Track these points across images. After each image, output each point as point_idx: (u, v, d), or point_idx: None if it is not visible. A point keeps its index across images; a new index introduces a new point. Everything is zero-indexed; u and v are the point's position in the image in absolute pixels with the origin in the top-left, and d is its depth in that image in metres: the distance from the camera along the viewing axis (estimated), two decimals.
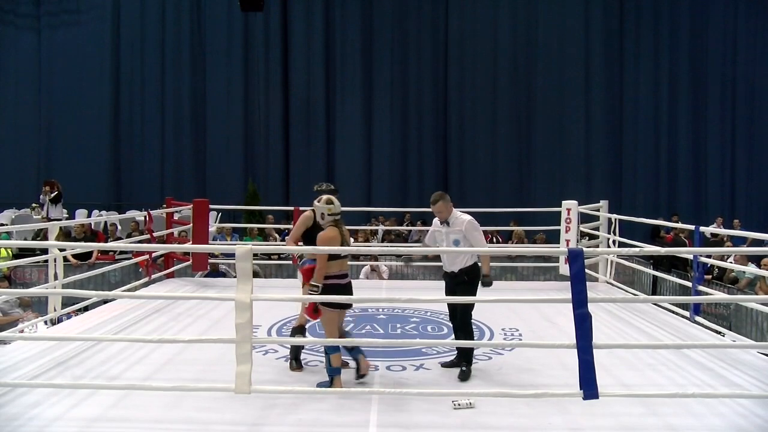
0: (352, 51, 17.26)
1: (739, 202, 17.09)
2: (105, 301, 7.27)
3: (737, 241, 12.17)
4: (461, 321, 5.08)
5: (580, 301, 3.80)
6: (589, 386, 3.80)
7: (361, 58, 17.23)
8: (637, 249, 4.94)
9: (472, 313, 5.14)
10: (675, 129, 17.13)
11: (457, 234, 5.10)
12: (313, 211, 4.86)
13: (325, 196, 4.84)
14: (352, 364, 4.85)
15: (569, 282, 3.87)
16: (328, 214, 4.79)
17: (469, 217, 5.15)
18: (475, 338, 5.39)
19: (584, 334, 3.79)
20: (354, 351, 4.82)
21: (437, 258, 10.85)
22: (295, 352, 5.19)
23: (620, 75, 17.24)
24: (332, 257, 4.63)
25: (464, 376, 4.86)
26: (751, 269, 8.41)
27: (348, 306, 5.06)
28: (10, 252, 10.79)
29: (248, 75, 17.36)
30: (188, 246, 8.80)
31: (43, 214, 12.81)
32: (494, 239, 12.43)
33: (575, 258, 3.85)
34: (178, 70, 17.48)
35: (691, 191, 17.12)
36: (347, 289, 4.73)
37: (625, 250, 7.48)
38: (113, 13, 17.43)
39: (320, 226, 4.78)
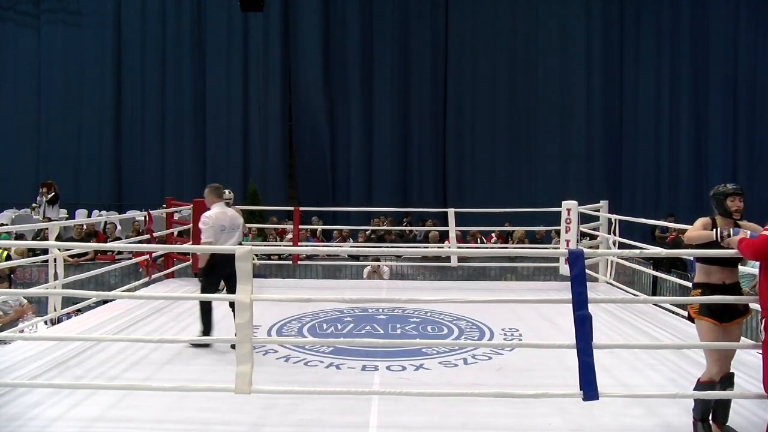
0: (352, 51, 17.23)
1: None
2: (105, 302, 7.27)
3: None
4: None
5: (580, 303, 3.80)
6: (589, 387, 3.80)
7: (361, 58, 17.19)
8: (638, 251, 4.94)
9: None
10: (676, 129, 17.09)
11: None
12: (715, 221, 4.33)
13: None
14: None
15: (569, 282, 3.86)
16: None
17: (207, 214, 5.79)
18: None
19: (584, 336, 3.79)
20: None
21: (438, 258, 10.91)
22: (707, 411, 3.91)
23: (621, 75, 17.20)
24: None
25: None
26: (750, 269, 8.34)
27: None
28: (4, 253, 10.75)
29: (248, 75, 17.33)
30: (188, 246, 8.79)
31: (39, 216, 12.78)
32: (481, 239, 12.36)
33: (576, 259, 3.84)
34: (178, 70, 17.45)
35: (691, 191, 17.08)
36: None
37: (626, 252, 7.50)
38: (113, 12, 17.39)
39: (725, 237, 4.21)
